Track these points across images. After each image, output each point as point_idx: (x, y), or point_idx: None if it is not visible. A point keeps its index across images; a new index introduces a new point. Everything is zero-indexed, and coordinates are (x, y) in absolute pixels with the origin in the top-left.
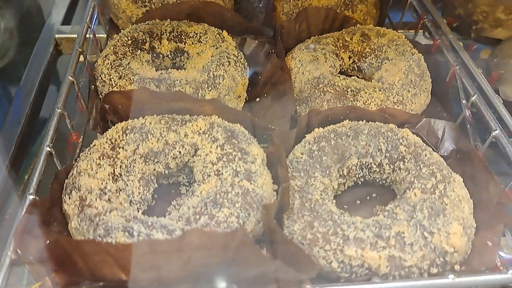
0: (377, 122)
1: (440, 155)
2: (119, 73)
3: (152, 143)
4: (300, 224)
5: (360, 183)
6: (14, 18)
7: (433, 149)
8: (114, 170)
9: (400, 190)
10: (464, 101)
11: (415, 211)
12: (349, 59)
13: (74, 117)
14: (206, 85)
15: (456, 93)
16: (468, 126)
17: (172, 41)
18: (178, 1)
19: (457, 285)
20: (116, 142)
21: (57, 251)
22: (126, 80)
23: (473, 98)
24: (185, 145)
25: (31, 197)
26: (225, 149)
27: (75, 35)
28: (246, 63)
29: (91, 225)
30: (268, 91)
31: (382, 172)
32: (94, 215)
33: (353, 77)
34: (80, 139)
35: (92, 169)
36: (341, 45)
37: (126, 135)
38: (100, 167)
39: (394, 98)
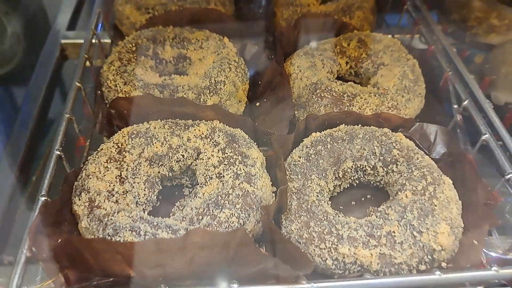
0: (372, 127)
1: (432, 158)
2: (124, 79)
3: (156, 147)
4: (297, 224)
5: (355, 185)
6: (21, 24)
7: (425, 152)
8: (121, 172)
9: (393, 191)
10: (455, 106)
11: (405, 212)
12: (346, 65)
13: (81, 122)
14: (208, 91)
15: (450, 97)
16: (458, 130)
17: (174, 47)
18: (180, 8)
19: (444, 281)
20: (122, 146)
21: (69, 249)
22: (131, 86)
23: (465, 103)
24: (188, 149)
25: (43, 198)
26: (226, 153)
27: (80, 40)
28: (246, 69)
29: (100, 225)
30: (267, 96)
31: (376, 174)
32: (103, 216)
33: (349, 82)
34: (87, 143)
35: (100, 172)
36: (338, 50)
37: (131, 140)
38: (108, 170)
39: (388, 103)
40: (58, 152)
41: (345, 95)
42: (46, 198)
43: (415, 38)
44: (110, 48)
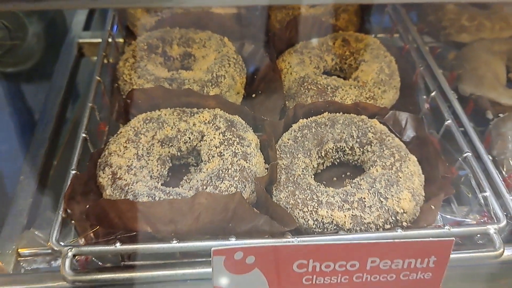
0: (351, 114)
1: (402, 141)
2: (138, 74)
3: (167, 131)
4: (285, 193)
5: (336, 163)
6: (41, 24)
7: (396, 135)
8: (137, 151)
9: (367, 168)
10: (424, 96)
11: (375, 182)
12: (332, 61)
13: (102, 111)
14: (210, 84)
15: (421, 90)
16: (423, 117)
17: (181, 46)
18: (186, 12)
19: (403, 236)
20: (138, 130)
21: (98, 210)
22: (144, 80)
23: (433, 94)
24: (194, 132)
25: (73, 172)
26: (226, 136)
27: (95, 40)
28: (244, 65)
29: (122, 192)
30: (262, 89)
31: (353, 154)
32: (124, 185)
33: (333, 76)
34: (107, 128)
35: (120, 151)
36: (325, 49)
37: (146, 124)
38: (127, 149)
39: (366, 94)
40: (84, 135)
41: (328, 87)
42: (76, 171)
43: (395, 38)
44: (123, 47)
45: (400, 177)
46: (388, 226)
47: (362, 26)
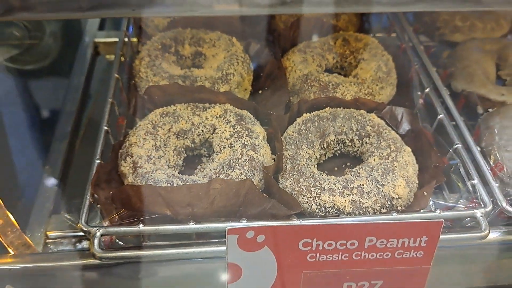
0: (351, 109)
1: (398, 134)
2: (153, 71)
3: (182, 124)
4: (291, 181)
5: (337, 154)
6: (58, 25)
7: (393, 129)
8: (155, 143)
9: (365, 158)
10: (419, 93)
11: (372, 171)
12: (333, 59)
13: (120, 106)
14: (220, 81)
15: (416, 86)
16: (417, 111)
17: (192, 45)
18: None
19: (398, 219)
20: (155, 123)
21: (122, 195)
22: (159, 77)
23: (426, 90)
24: (206, 126)
25: (98, 161)
26: (236, 128)
27: (110, 39)
28: (251, 63)
29: (143, 179)
30: (268, 85)
31: (353, 146)
32: (144, 173)
33: (334, 74)
34: (125, 122)
35: (140, 142)
36: (326, 48)
37: (162, 118)
38: (146, 141)
39: (365, 90)
40: (106, 128)
41: (330, 84)
42: (100, 161)
43: (392, 37)
44: (137, 46)
45: (396, 166)
46: (384, 210)
47: (361, 26)
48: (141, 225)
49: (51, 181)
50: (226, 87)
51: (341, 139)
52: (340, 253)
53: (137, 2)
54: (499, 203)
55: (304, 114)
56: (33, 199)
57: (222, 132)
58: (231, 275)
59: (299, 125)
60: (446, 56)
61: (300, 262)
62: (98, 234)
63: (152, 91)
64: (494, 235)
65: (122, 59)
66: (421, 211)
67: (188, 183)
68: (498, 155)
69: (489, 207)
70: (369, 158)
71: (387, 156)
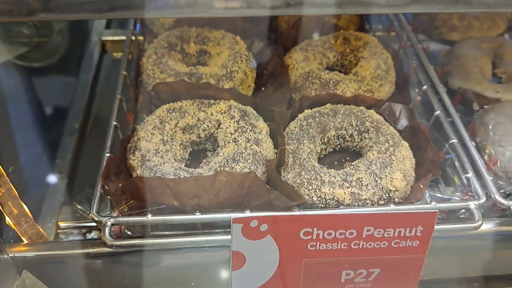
0: (351, 105)
1: (396, 129)
2: (160, 69)
3: (188, 119)
4: (292, 174)
5: (337, 149)
6: (65, 23)
7: (391, 124)
8: (163, 137)
9: (364, 153)
10: (416, 90)
11: (371, 165)
12: (334, 58)
13: (127, 102)
14: (225, 78)
15: (415, 83)
16: (415, 108)
17: (197, 44)
18: None
19: (395, 210)
20: (163, 118)
21: (132, 186)
22: (166, 74)
23: (424, 87)
24: (212, 121)
25: (107, 154)
26: (240, 124)
27: (117, 37)
28: (254, 61)
29: (151, 172)
30: (270, 83)
31: (352, 141)
32: (152, 166)
33: (335, 71)
34: (132, 118)
35: (148, 136)
36: (327, 46)
37: (169, 114)
38: (153, 135)
39: (365, 87)
40: (115, 123)
41: (330, 81)
42: (109, 154)
43: (391, 36)
44: (144, 44)
45: (393, 160)
46: (382, 202)
47: (361, 25)
48: (149, 215)
49: (62, 175)
50: (230, 84)
51: (341, 134)
52: (339, 242)
53: (152, 4)
54: (492, 196)
55: (306, 110)
56: (45, 191)
57: (227, 127)
58: (235, 263)
59: (300, 120)
60: (443, 55)
61: (301, 250)
62: (109, 223)
63: (159, 88)
64: (487, 226)
65: (130, 57)
66: (417, 203)
67: (194, 175)
68: (492, 150)
69: (483, 199)
70: (368, 152)
71: (385, 151)
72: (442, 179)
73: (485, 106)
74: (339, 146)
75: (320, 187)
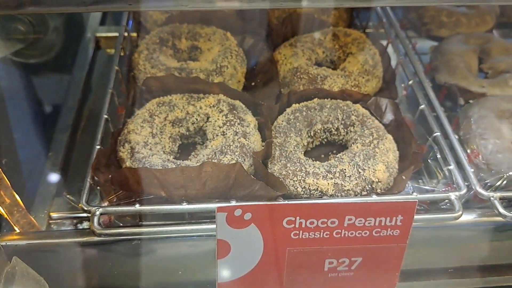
0: (337, 100)
1: (382, 123)
2: (151, 64)
3: (177, 113)
4: (278, 166)
5: (323, 143)
6: (61, 19)
7: (377, 118)
8: (152, 130)
9: (349, 146)
10: (402, 85)
11: (355, 157)
12: (323, 53)
13: (120, 96)
14: (215, 73)
15: (401, 79)
16: (400, 102)
17: (188, 39)
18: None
19: (375, 199)
20: (152, 112)
21: (121, 177)
22: (157, 69)
23: (410, 82)
24: (200, 114)
25: (98, 147)
26: (228, 117)
27: (111, 34)
28: (244, 56)
29: (139, 164)
30: (260, 78)
31: (338, 134)
32: (141, 158)
33: (323, 67)
34: (124, 111)
35: (137, 129)
36: (316, 42)
37: (159, 107)
38: (143, 128)
39: (352, 82)
40: (106, 116)
41: (318, 77)
42: (100, 146)
43: (380, 32)
44: (136, 40)
45: (377, 152)
46: (365, 193)
47: (351, 22)
48: (137, 205)
49: (54, 167)
50: (220, 78)
51: (327, 128)
52: (322, 231)
53: None
54: (473, 187)
55: (293, 105)
56: (38, 183)
57: (215, 121)
58: (221, 251)
59: (288, 114)
60: (431, 51)
61: (285, 239)
62: (97, 212)
63: (150, 82)
64: (468, 217)
65: (122, 52)
66: (400, 193)
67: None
68: (474, 143)
69: (464, 190)
70: (352, 145)
71: (369, 143)
72: (426, 172)
73: (471, 101)
74: (325, 140)
75: (305, 178)
